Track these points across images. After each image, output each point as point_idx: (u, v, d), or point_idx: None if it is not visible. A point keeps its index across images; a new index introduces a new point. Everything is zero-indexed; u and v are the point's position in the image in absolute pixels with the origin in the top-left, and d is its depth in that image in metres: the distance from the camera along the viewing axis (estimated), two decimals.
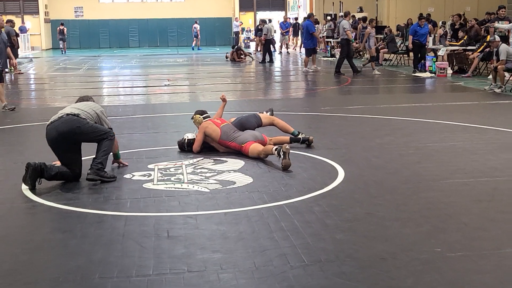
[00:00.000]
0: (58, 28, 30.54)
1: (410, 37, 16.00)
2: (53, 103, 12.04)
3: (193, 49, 31.30)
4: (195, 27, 31.65)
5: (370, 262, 3.64)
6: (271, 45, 22.39)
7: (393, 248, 3.86)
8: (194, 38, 31.94)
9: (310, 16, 17.83)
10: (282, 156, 5.88)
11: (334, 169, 5.83)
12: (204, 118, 6.86)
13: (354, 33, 20.87)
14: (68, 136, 5.46)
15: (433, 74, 15.13)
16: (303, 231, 4.15)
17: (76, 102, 6.09)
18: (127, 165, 6.16)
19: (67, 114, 5.56)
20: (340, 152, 6.56)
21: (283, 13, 34.25)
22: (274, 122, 7.23)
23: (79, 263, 3.69)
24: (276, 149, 6.00)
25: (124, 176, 5.74)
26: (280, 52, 27.03)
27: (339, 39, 17.72)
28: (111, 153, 5.87)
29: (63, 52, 30.00)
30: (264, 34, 21.93)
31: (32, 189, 5.29)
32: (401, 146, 6.86)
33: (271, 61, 20.94)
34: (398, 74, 16.20)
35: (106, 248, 3.92)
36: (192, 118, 6.95)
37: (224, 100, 7.31)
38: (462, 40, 15.98)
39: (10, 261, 3.75)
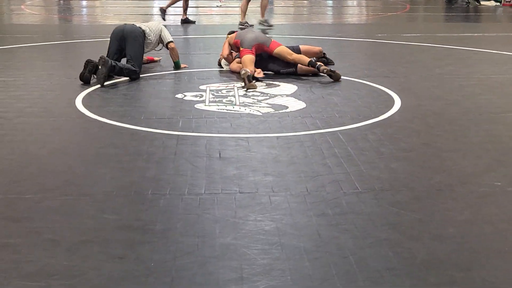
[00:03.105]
0: None
1: None
2: (104, 20, 12.03)
3: None
4: None
5: (426, 193, 3.54)
6: None
7: (451, 179, 3.73)
8: None
9: None
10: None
11: (391, 98, 5.64)
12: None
13: None
14: (126, 37, 6.44)
15: (498, 3, 14.35)
16: (357, 159, 4.05)
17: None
18: (187, 66, 6.97)
19: (138, 26, 6.63)
20: (398, 81, 6.34)
21: None
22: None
23: (132, 178, 3.71)
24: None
25: (176, 96, 5.71)
26: None
27: None
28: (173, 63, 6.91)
29: None
30: None
31: (87, 84, 6.04)
32: (462, 76, 6.58)
33: None
34: (460, 2, 15.46)
35: (158, 166, 3.93)
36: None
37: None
38: None
39: (67, 173, 3.80)
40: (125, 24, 6.70)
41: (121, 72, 6.26)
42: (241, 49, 6.48)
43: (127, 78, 6.32)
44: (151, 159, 4.05)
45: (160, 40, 6.79)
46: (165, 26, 6.81)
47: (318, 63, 6.36)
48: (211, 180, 3.68)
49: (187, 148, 4.27)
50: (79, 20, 12.28)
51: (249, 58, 6.34)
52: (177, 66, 6.89)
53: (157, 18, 12.61)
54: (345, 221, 3.15)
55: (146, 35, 6.59)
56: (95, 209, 3.28)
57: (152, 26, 6.78)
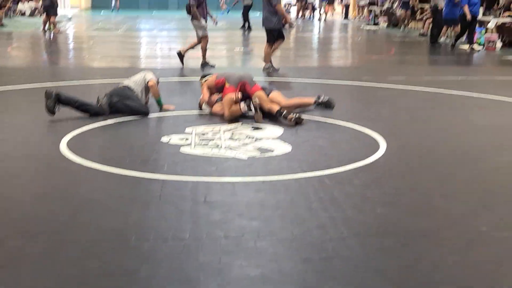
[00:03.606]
0: None
1: (466, 7, 14.28)
2: (91, 62, 12.08)
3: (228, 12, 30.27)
4: None
5: (412, 238, 3.53)
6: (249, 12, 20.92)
7: (437, 224, 3.73)
8: None
9: None
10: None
11: (376, 141, 5.67)
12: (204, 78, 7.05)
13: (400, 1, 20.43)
14: (116, 94, 6.61)
15: (481, 47, 14.61)
16: (343, 203, 4.05)
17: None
18: (174, 108, 6.98)
19: (124, 86, 6.77)
20: (383, 124, 6.38)
21: None
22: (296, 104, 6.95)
23: (116, 223, 3.67)
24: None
25: (162, 139, 5.70)
26: (319, 19, 26.64)
27: (430, 6, 16.69)
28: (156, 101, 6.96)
29: (117, 10, 30.81)
30: None
31: (52, 115, 6.25)
32: (446, 120, 6.65)
33: (249, 28, 20.10)
34: (444, 45, 15.73)
35: (143, 210, 3.89)
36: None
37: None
38: None
39: (50, 219, 3.76)
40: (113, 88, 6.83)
41: (123, 107, 6.51)
42: (226, 85, 6.55)
43: (115, 119, 6.34)
44: (136, 204, 4.01)
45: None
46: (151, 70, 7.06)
47: (284, 113, 6.27)
48: (196, 225, 3.65)
49: (172, 192, 4.24)
50: (66, 63, 12.32)
51: (229, 100, 6.41)
52: (159, 104, 6.96)
53: (144, 60, 12.71)
54: (331, 267, 3.12)
55: (131, 89, 6.71)
56: (78, 256, 3.23)
57: (137, 78, 6.91)
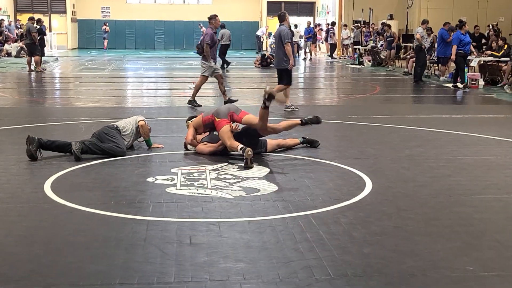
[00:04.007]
0: (102, 27, 32.62)
1: (454, 47, 14.55)
2: (77, 102, 12.08)
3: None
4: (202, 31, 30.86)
5: (398, 278, 3.51)
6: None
7: (423, 264, 3.71)
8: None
9: (445, 24, 16.11)
10: (244, 161, 6.13)
11: (362, 180, 5.68)
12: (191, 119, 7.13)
13: (383, 41, 20.75)
14: (97, 135, 6.71)
15: (464, 86, 14.79)
16: (329, 243, 4.02)
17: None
18: (162, 147, 7.07)
19: (112, 124, 6.92)
20: (368, 163, 6.41)
21: (311, 18, 34.16)
22: (280, 144, 7.04)
23: (100, 267, 3.61)
24: (241, 149, 6.20)
25: (147, 179, 5.67)
26: (304, 58, 26.93)
27: (413, 46, 17.06)
28: (145, 141, 7.07)
29: (104, 50, 31.42)
30: (217, 40, 21.16)
31: (34, 160, 6.24)
32: (431, 158, 6.68)
33: (227, 63, 20.41)
34: (428, 84, 15.94)
35: (127, 253, 3.84)
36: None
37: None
38: (503, 50, 15.42)
39: (33, 262, 3.70)
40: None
41: (96, 151, 6.46)
42: (217, 119, 6.58)
43: (101, 160, 6.32)
44: (120, 246, 3.96)
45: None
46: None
47: (243, 148, 6.23)
48: (181, 268, 3.61)
49: (157, 234, 4.20)
50: (51, 103, 12.30)
51: (226, 132, 6.45)
52: (148, 144, 7.06)
53: (130, 99, 12.73)
54: None
55: (121, 128, 6.79)
56: None
57: (129, 119, 7.08)
